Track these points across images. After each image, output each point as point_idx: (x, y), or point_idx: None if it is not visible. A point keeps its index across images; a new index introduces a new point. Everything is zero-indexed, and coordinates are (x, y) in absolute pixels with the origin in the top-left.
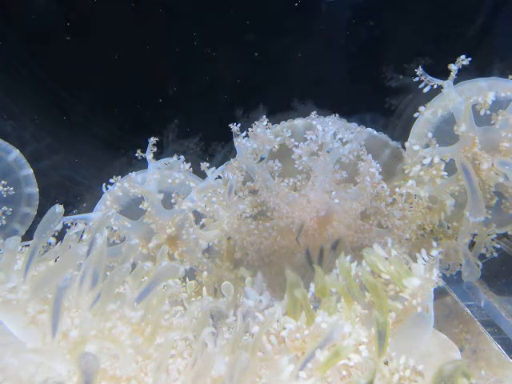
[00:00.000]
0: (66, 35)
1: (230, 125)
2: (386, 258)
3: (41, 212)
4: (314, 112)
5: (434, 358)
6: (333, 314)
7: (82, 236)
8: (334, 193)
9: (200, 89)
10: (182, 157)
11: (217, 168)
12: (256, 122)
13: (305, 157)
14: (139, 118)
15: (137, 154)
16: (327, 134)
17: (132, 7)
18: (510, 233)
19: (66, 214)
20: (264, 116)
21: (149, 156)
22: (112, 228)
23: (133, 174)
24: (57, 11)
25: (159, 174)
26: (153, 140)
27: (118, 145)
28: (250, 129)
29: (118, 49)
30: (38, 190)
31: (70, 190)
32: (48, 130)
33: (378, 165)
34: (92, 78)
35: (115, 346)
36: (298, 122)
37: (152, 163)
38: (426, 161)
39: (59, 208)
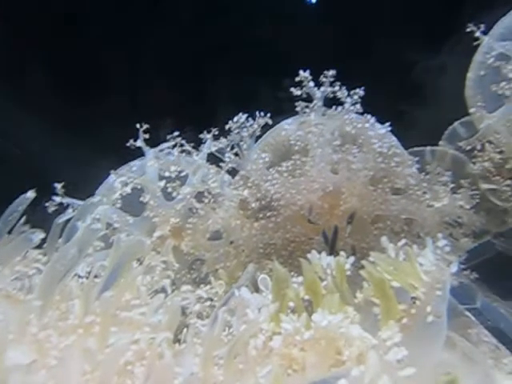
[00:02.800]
0: (66, 35)
1: (227, 125)
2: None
3: (40, 212)
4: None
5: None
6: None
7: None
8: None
9: (199, 89)
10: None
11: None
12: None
13: (299, 131)
14: (139, 118)
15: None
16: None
17: (132, 7)
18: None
19: (65, 214)
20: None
21: (145, 147)
22: (113, 225)
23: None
24: (56, 11)
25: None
26: (144, 136)
27: (118, 145)
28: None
29: (118, 49)
30: None
31: (69, 189)
32: (48, 130)
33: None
34: (92, 77)
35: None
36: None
37: (149, 151)
38: None
39: (30, 193)
